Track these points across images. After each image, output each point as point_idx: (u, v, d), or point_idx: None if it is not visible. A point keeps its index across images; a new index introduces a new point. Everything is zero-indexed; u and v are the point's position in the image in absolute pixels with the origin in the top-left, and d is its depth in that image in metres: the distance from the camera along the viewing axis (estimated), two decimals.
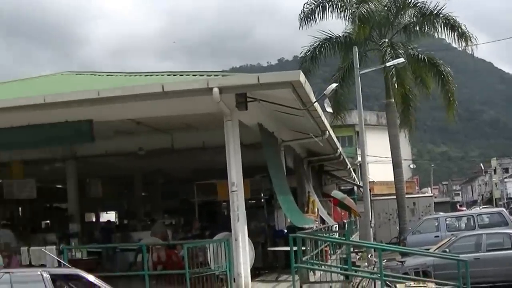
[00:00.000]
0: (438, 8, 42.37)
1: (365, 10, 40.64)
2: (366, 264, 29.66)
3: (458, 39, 42.32)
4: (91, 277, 13.00)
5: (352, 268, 20.01)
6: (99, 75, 26.29)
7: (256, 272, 19.58)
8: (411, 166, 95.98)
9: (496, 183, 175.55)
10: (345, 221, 39.41)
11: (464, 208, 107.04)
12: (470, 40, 42.09)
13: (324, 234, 24.40)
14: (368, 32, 42.55)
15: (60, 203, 41.36)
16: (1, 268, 16.98)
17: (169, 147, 24.36)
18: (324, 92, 21.67)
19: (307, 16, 43.33)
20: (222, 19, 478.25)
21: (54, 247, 19.23)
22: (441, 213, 53.43)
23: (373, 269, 24.39)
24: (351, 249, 24.42)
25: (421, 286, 18.19)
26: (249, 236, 17.42)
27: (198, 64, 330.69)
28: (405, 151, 65.39)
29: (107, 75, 25.22)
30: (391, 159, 45.56)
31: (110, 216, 47.44)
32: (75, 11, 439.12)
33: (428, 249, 27.57)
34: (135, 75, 23.46)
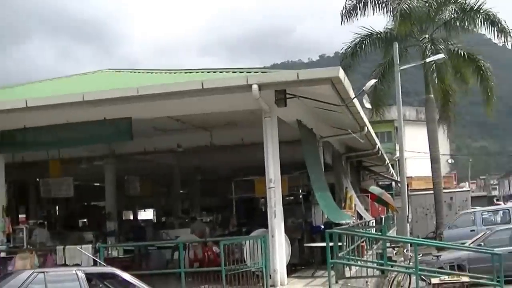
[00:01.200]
0: (478, 3, 42.11)
1: (406, 6, 40.44)
2: (402, 259, 29.59)
3: (498, 34, 42.05)
4: (126, 276, 13.04)
5: (388, 263, 20.00)
6: (138, 72, 26.50)
7: (293, 268, 19.67)
8: (449, 161, 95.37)
9: None
10: (382, 216, 39.33)
11: (501, 203, 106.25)
12: (510, 35, 41.80)
13: (361, 230, 24.41)
14: (409, 28, 42.36)
15: (98, 201, 41.56)
16: (36, 267, 17.04)
17: (207, 144, 24.47)
18: (363, 88, 21.73)
19: (349, 12, 43.21)
20: (264, 16, 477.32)
21: (90, 245, 19.24)
22: (477, 207, 53.16)
23: (409, 264, 24.32)
24: (388, 244, 24.43)
25: (455, 280, 18.11)
26: (285, 232, 17.52)
27: (239, 60, 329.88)
28: (444, 146, 64.96)
29: (147, 72, 25.41)
30: (429, 154, 45.35)
31: (148, 214, 47.66)
32: (117, 7, 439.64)
33: (464, 243, 27.45)
34: (175, 72, 23.55)
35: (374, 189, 39.67)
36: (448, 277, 18.49)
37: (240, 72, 18.74)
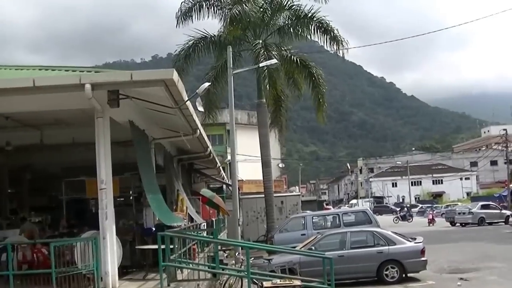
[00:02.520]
0: (312, 11, 43.13)
1: (238, 11, 40.87)
2: (234, 262, 29.89)
3: (330, 42, 43.18)
4: None
5: (220, 266, 20.13)
6: None
7: (124, 271, 19.47)
8: (280, 165, 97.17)
9: (361, 183, 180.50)
10: (214, 219, 39.56)
11: (330, 207, 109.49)
12: (342, 43, 43.04)
13: (193, 232, 24.47)
14: (240, 33, 42.90)
15: None
16: None
17: (38, 142, 23.85)
18: (197, 91, 21.80)
19: (184, 14, 43.34)
20: (98, 13, 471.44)
21: None
22: (308, 211, 54.36)
23: (241, 267, 24.59)
24: (219, 247, 24.62)
25: (287, 283, 18.46)
26: (117, 234, 17.30)
27: (71, 59, 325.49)
28: (275, 150, 66.22)
29: None
30: (260, 158, 46.01)
31: None
32: None
33: (295, 247, 28.03)
34: (4, 69, 22.83)
35: (206, 192, 39.79)
36: (280, 281, 18.81)
37: (73, 71, 18.43)
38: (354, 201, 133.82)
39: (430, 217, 77.44)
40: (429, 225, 72.18)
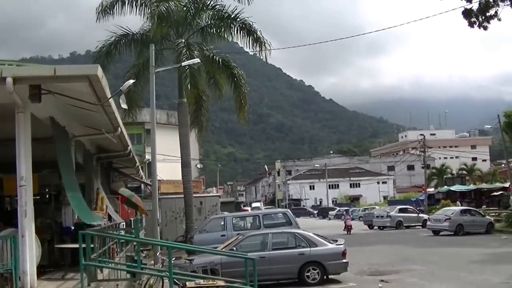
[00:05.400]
0: (236, 12, 43.08)
1: (165, 9, 40.51)
2: (153, 262, 29.61)
3: (253, 44, 43.11)
4: None
5: (140, 266, 19.88)
6: None
7: (42, 270, 18.99)
8: (198, 166, 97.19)
9: (279, 185, 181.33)
10: (132, 218, 39.20)
11: (248, 208, 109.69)
12: (264, 45, 43.00)
13: (113, 232, 24.16)
14: (165, 31, 42.57)
15: None
16: None
17: None
18: (121, 88, 21.56)
19: (105, 10, 42.66)
20: (13, 8, 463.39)
21: None
22: (226, 212, 54.34)
23: (161, 267, 24.35)
24: None
25: (211, 284, 18.33)
26: (35, 232, 16.92)
27: None
28: (194, 150, 66.01)
29: None
30: (179, 158, 45.79)
31: None
32: None
33: (216, 248, 27.90)
34: None
35: (124, 191, 39.36)
36: (204, 281, 18.66)
37: None
38: (257, 204, 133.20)
39: (349, 223, 66.81)
40: (347, 233, 63.47)
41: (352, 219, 76.49)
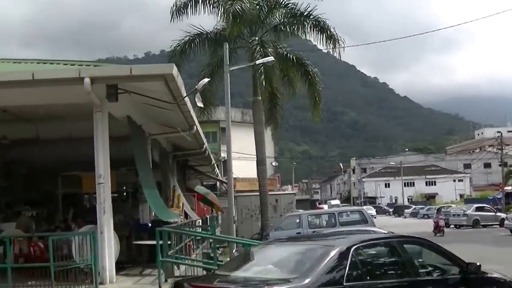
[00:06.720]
0: (308, 9, 42.96)
1: (238, 7, 40.65)
2: (228, 259, 29.81)
3: (326, 41, 42.90)
4: None
5: (218, 263, 20.05)
6: None
7: (120, 266, 19.35)
8: (274, 163, 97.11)
9: (354, 183, 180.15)
10: (207, 216, 39.51)
11: (323, 206, 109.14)
12: (338, 42, 42.76)
13: (189, 229, 24.42)
14: (239, 30, 42.69)
15: None
16: None
17: (34, 136, 23.75)
18: (196, 86, 21.74)
19: (179, 10, 42.97)
20: (89, 10, 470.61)
21: None
22: (300, 210, 54.22)
23: None
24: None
25: None
26: (114, 229, 17.25)
27: (63, 55, 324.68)
28: (268, 148, 66.05)
29: None
30: (254, 156, 45.90)
31: None
32: None
33: None
34: (3, 62, 22.76)
35: (200, 188, 39.79)
36: None
37: (72, 65, 18.40)
38: (335, 201, 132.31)
39: (442, 223, 58.98)
40: (435, 235, 55.32)
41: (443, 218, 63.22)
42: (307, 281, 9.89)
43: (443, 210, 79.80)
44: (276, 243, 13.90)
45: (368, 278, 10.69)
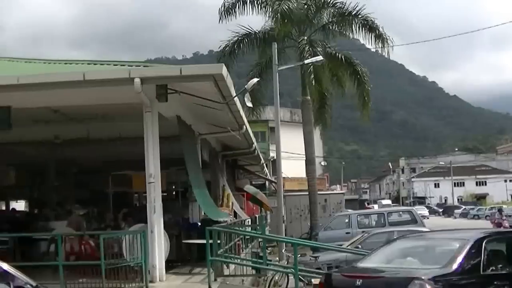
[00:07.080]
0: (357, 9, 42.84)
1: (287, 7, 40.69)
2: (278, 258, 29.80)
3: (374, 40, 42.74)
4: (4, 265, 12.44)
5: (266, 262, 20.07)
6: (17, 61, 25.59)
7: (170, 265, 19.44)
8: (322, 163, 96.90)
9: (403, 183, 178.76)
10: (257, 215, 39.55)
11: (372, 206, 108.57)
12: (387, 42, 42.59)
13: (238, 228, 24.46)
14: (288, 29, 42.70)
15: None
16: None
17: (84, 136, 24.00)
18: (245, 86, 21.76)
19: (228, 10, 43.14)
20: (137, 10, 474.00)
21: None
22: (349, 210, 54.05)
23: (286, 264, 24.46)
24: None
25: None
26: (163, 228, 17.36)
27: (112, 55, 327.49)
28: (317, 148, 65.93)
29: (25, 62, 24.62)
30: (303, 155, 45.90)
31: (19, 205, 46.29)
32: None
33: (341, 245, 27.77)
34: (54, 63, 23.03)
35: (249, 188, 39.80)
36: None
37: (122, 65, 18.52)
38: (387, 201, 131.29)
39: (506, 224, 52.69)
40: None
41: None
42: (454, 268, 11.38)
43: (493, 210, 78.77)
44: (402, 239, 15.49)
45: (499, 267, 12.21)
